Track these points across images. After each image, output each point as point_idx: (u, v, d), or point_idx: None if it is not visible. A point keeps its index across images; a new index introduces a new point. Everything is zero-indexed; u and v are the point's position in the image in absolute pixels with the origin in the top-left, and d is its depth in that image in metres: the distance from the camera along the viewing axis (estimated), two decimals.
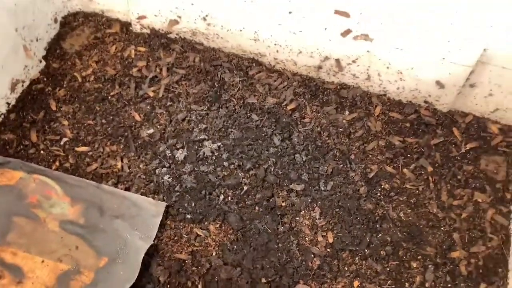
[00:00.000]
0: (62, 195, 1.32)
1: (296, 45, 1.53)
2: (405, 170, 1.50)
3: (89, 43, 1.66)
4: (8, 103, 1.47)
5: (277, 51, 1.58)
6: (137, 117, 1.51)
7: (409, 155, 1.53)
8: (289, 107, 1.56)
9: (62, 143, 1.45)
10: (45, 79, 1.56)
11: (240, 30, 1.54)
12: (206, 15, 1.53)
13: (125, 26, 1.70)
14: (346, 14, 1.40)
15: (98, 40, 1.67)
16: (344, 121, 1.57)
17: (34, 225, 1.27)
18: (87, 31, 1.69)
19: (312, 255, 1.32)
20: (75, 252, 1.24)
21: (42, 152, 1.42)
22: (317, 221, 1.39)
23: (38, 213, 1.28)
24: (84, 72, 1.60)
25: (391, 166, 1.50)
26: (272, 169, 1.44)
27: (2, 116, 1.45)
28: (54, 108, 1.51)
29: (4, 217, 1.26)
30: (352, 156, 1.51)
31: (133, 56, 1.63)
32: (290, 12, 1.44)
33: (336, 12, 1.39)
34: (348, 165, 1.48)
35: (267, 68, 1.65)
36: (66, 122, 1.48)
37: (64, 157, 1.43)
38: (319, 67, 1.59)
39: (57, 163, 1.41)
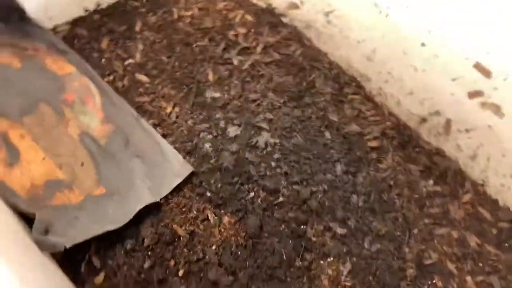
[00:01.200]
0: (98, 108, 1.26)
1: (411, 83, 1.39)
2: (468, 277, 1.27)
3: None
4: (98, 4, 1.47)
5: (386, 81, 1.45)
6: (211, 77, 1.44)
7: (480, 264, 1.30)
8: (370, 144, 1.41)
9: (126, 63, 1.41)
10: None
11: (358, 42, 1.44)
12: (331, 11, 1.45)
13: None
14: (487, 73, 1.23)
15: None
16: (424, 189, 1.38)
17: (56, 121, 1.21)
18: None
19: None
20: (79, 167, 1.16)
21: (103, 60, 1.39)
22: (342, 277, 1.20)
23: (66, 112, 1.23)
24: (183, 12, 1.57)
25: (454, 266, 1.28)
26: (320, 196, 1.28)
27: (87, 12, 1.44)
28: (137, 29, 1.49)
29: (32, 99, 1.22)
30: (415, 231, 1.31)
31: (237, 20, 1.59)
32: (422, 45, 1.31)
33: (477, 65, 1.23)
34: (406, 238, 1.29)
35: (366, 94, 1.53)
36: (141, 47, 1.45)
37: (121, 76, 1.38)
38: (423, 120, 1.43)
39: (111, 78, 1.36)
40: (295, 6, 1.55)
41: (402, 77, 1.42)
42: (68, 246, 0.99)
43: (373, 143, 1.43)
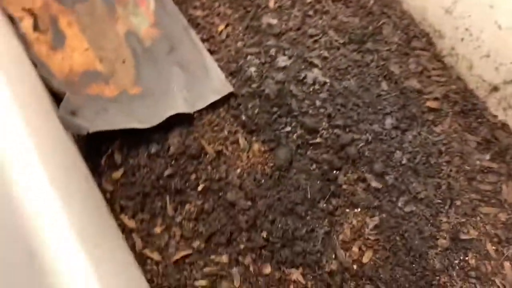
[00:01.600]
0: (151, 12, 1.24)
1: (489, 43, 1.25)
2: (506, 263, 1.15)
3: None
4: None
5: (462, 39, 1.31)
6: (271, 3, 1.37)
7: None
8: (428, 103, 1.30)
9: None
10: None
11: None
12: None
13: None
14: None
15: None
16: (477, 162, 1.26)
17: (106, 15, 1.20)
18: None
19: (332, 258, 1.07)
20: (119, 64, 1.14)
21: None
22: (366, 230, 1.12)
23: (118, 9, 1.21)
24: None
25: (494, 248, 1.16)
26: (361, 145, 1.20)
27: None
28: None
29: None
30: (458, 203, 1.20)
31: None
32: None
33: None
34: (446, 207, 1.18)
35: (435, 52, 1.40)
36: None
37: None
38: (495, 89, 1.29)
39: None
40: None
41: (481, 35, 1.28)
42: (91, 131, 0.99)
43: (432, 104, 1.31)
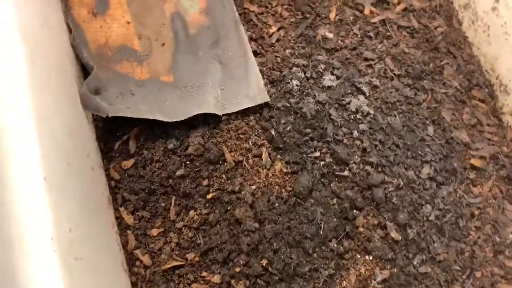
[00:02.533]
0: None
1: None
2: None
3: None
4: None
5: None
6: (332, 15, 1.28)
7: None
8: (472, 161, 1.20)
9: None
10: None
11: None
12: None
13: None
14: None
15: None
16: (511, 236, 1.15)
17: None
18: None
19: None
20: (158, 46, 1.08)
21: None
22: (373, 282, 1.04)
23: None
24: None
25: None
26: (390, 189, 1.11)
27: None
28: None
29: None
30: (478, 274, 1.12)
31: None
32: None
33: None
34: (464, 277, 1.11)
35: (494, 107, 1.30)
36: None
37: None
38: None
39: None
40: None
41: None
42: (111, 115, 0.93)
43: (477, 162, 1.20)
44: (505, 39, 1.22)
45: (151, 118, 0.97)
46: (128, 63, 1.05)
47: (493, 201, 1.19)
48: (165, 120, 0.99)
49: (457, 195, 1.16)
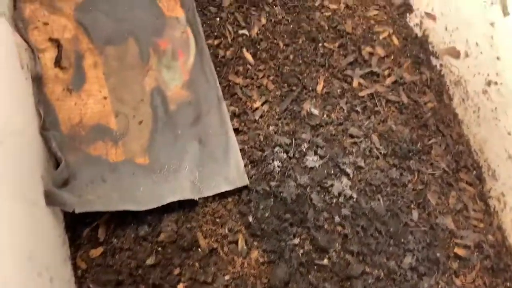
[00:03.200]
0: (187, 69, 1.12)
1: None
2: None
3: None
4: None
5: None
6: (319, 87, 1.25)
7: None
8: (456, 250, 1.16)
9: (240, 32, 1.24)
10: None
11: (509, 134, 1.14)
12: (495, 82, 1.16)
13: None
14: None
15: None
16: None
17: (137, 65, 1.10)
18: None
19: None
20: (135, 124, 1.03)
21: (218, 20, 1.23)
22: None
23: (152, 59, 1.10)
24: (327, 2, 1.35)
25: None
26: (370, 281, 1.08)
27: None
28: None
29: (126, 29, 1.12)
30: None
31: (380, 37, 1.35)
32: None
33: None
34: None
35: (482, 191, 1.25)
36: (263, 21, 1.28)
37: (227, 45, 1.23)
38: None
39: (215, 42, 1.21)
40: (455, 54, 1.27)
41: None
42: (77, 211, 0.88)
43: (461, 251, 1.16)
44: (495, 124, 1.18)
45: (122, 209, 0.93)
46: (103, 143, 1.01)
47: None
48: (138, 209, 0.95)
49: (439, 287, 1.12)
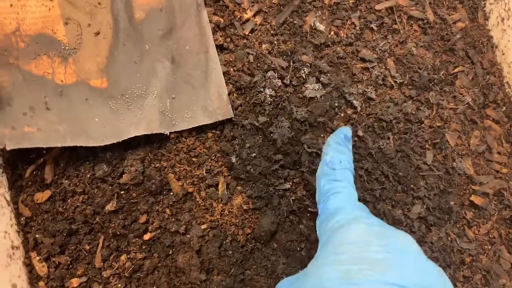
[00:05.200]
0: None
1: None
2: None
3: None
4: None
5: None
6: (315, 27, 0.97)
7: None
8: (473, 197, 0.98)
9: None
10: None
11: None
12: None
13: None
14: None
15: None
16: None
17: None
18: None
19: None
20: (90, 35, 0.80)
21: None
22: None
23: None
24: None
25: None
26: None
27: None
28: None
29: None
30: None
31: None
32: None
33: None
34: None
35: (509, 131, 1.03)
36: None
37: None
38: None
39: None
40: None
41: None
42: (9, 148, 0.67)
43: (477, 200, 0.99)
44: None
45: (69, 145, 0.72)
46: (48, 59, 0.77)
47: (489, 247, 1.00)
48: (91, 145, 0.74)
49: (449, 238, 0.97)
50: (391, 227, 0.61)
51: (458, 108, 1.02)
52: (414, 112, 0.99)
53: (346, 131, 0.79)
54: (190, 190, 0.85)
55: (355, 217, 0.62)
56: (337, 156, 0.75)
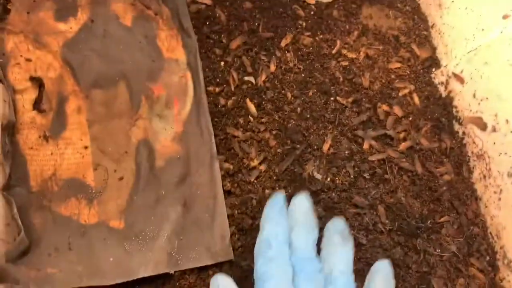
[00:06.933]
0: (181, 119, 1.00)
1: None
2: None
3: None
4: None
5: None
6: (326, 147, 1.10)
7: None
8: None
9: (245, 79, 1.09)
10: None
11: None
12: None
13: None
14: None
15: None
16: None
17: (125, 113, 0.96)
18: None
19: None
20: (115, 180, 0.91)
21: (222, 64, 1.08)
22: None
23: (143, 107, 0.97)
24: (346, 50, 1.19)
25: None
26: None
27: None
28: (283, 44, 1.15)
29: (117, 71, 0.99)
30: None
31: (400, 94, 1.18)
32: None
33: None
34: None
35: (493, 280, 1.08)
36: (272, 68, 1.13)
37: (228, 94, 1.09)
38: None
39: (217, 90, 1.06)
40: (482, 125, 1.11)
41: None
42: None
43: None
44: None
45: (85, 286, 0.80)
46: (76, 201, 0.88)
47: None
48: (103, 284, 0.82)
49: None
50: None
51: (444, 255, 1.08)
52: (402, 258, 1.05)
53: (280, 197, 0.71)
54: None
55: None
56: (273, 229, 0.68)
